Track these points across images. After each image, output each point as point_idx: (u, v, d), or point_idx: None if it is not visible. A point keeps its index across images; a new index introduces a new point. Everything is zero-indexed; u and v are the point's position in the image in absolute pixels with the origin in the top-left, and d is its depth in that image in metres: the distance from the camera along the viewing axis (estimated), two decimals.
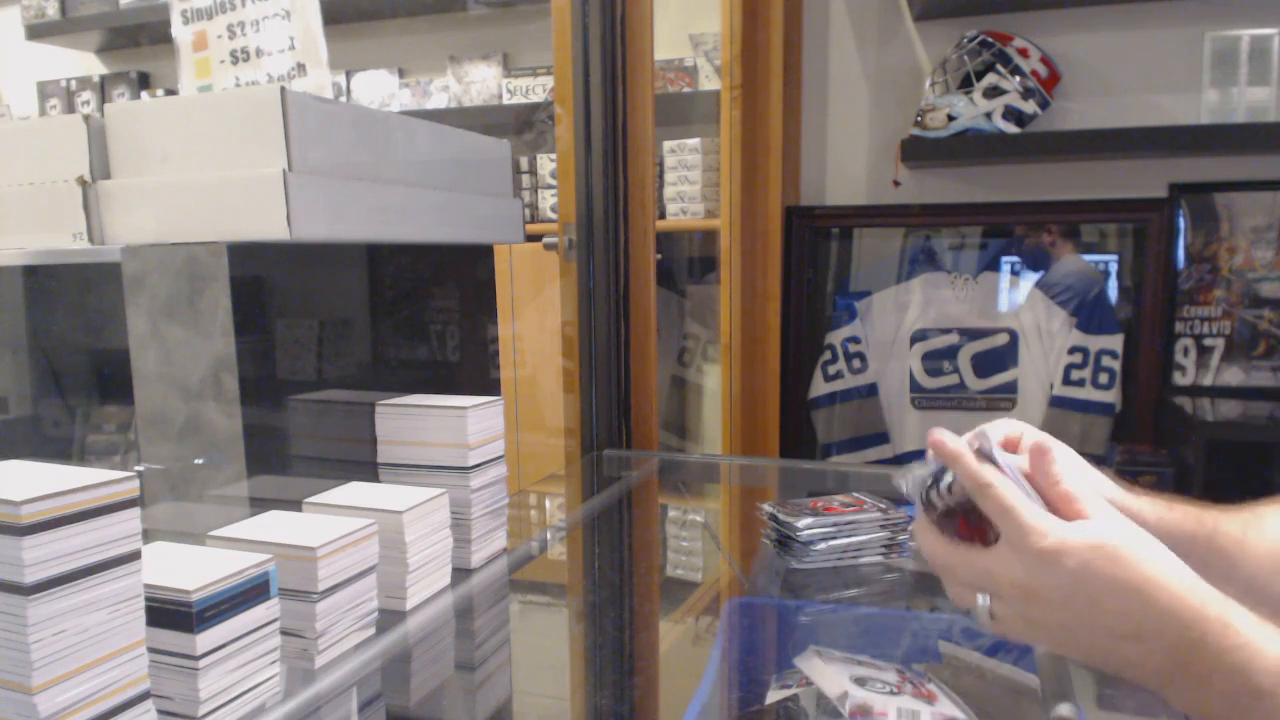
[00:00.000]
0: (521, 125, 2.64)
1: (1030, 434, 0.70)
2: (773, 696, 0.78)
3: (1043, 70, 1.93)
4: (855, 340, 2.14)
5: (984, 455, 0.62)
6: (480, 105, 2.65)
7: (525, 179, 2.50)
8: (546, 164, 2.48)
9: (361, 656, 0.82)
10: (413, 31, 2.77)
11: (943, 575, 0.65)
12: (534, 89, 2.58)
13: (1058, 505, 0.60)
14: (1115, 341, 1.97)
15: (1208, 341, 1.96)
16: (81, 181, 0.87)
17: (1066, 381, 2.00)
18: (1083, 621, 0.56)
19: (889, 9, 2.13)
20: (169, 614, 0.64)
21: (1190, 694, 0.56)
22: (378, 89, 2.76)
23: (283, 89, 0.82)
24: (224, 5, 1.00)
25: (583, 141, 1.63)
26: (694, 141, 2.25)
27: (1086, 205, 2.02)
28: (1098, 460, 2.03)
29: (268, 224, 0.82)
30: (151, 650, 0.63)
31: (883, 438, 2.15)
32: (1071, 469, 0.63)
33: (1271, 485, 1.78)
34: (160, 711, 0.64)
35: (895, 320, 2.14)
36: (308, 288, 1.04)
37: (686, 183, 2.27)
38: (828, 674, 0.79)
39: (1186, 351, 1.98)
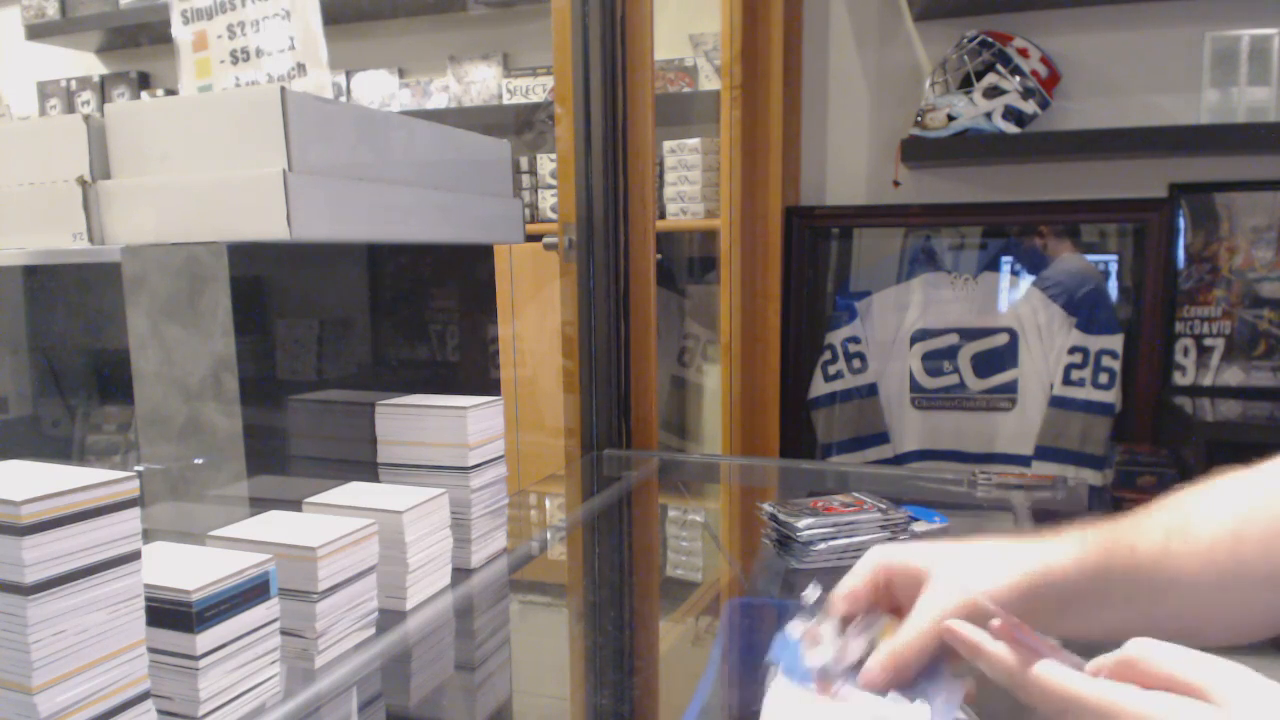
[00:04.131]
0: (521, 125, 2.64)
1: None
2: None
3: (1043, 70, 1.93)
4: (855, 340, 2.14)
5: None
6: (480, 105, 2.64)
7: (525, 179, 2.50)
8: (546, 164, 2.48)
9: (361, 656, 0.82)
10: (413, 31, 2.77)
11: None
12: (534, 89, 2.58)
13: None
14: (1115, 341, 1.97)
15: (1208, 341, 1.96)
16: (81, 181, 0.87)
17: (1066, 381, 2.00)
18: None
19: (889, 9, 2.13)
20: (169, 614, 0.64)
21: None
22: (378, 89, 2.76)
23: (283, 89, 0.82)
24: (224, 5, 1.00)
25: (583, 141, 1.63)
26: (694, 141, 2.25)
27: (1086, 205, 2.02)
28: (1099, 460, 2.04)
29: (268, 224, 0.82)
30: (151, 650, 0.63)
31: (883, 438, 2.15)
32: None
33: None
34: (160, 711, 0.64)
35: (895, 320, 2.14)
36: (308, 288, 1.04)
37: (686, 183, 2.27)
38: None
39: (1186, 351, 1.98)
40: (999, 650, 0.48)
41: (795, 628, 0.64)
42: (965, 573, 0.59)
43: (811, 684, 0.60)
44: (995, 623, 0.50)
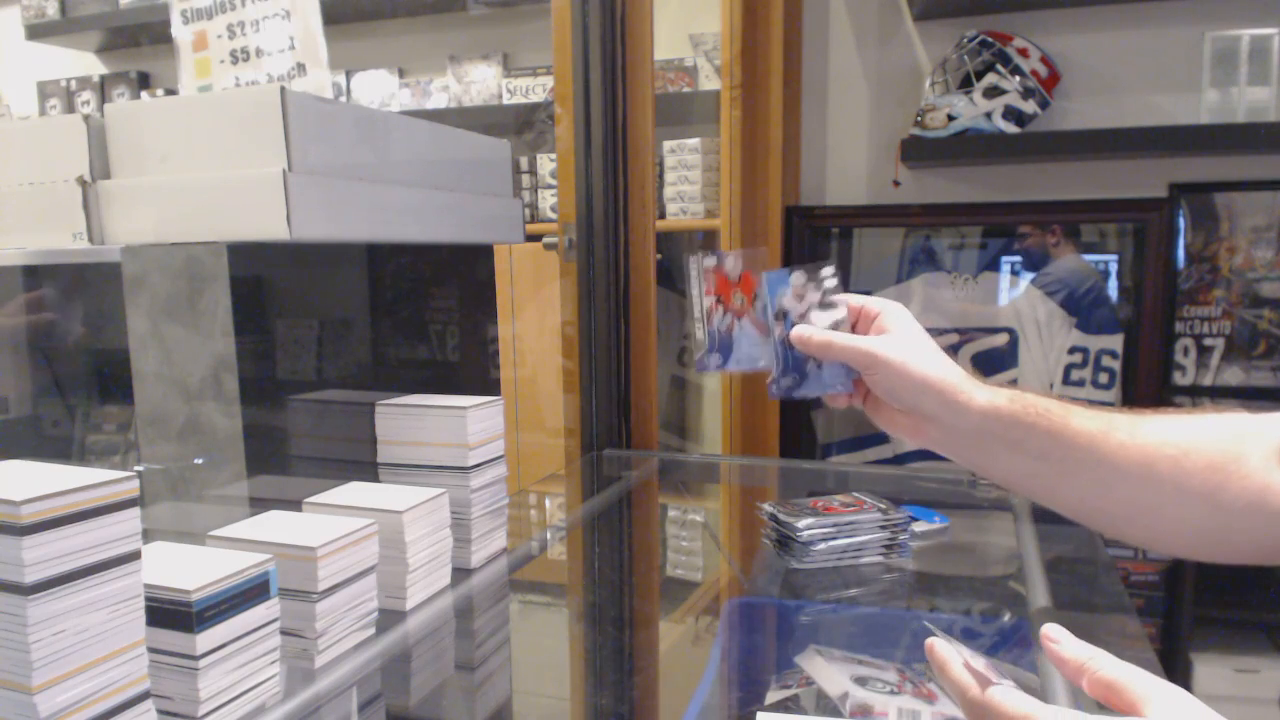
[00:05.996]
0: (521, 125, 2.64)
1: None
2: (773, 696, 0.78)
3: (1043, 70, 1.93)
4: None
5: None
6: (480, 105, 2.64)
7: (525, 179, 2.50)
8: (546, 164, 2.48)
9: (361, 656, 0.82)
10: (413, 31, 2.77)
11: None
12: (534, 89, 2.58)
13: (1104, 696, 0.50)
14: (1115, 341, 1.97)
15: (1208, 341, 1.96)
16: (81, 181, 0.87)
17: (1066, 381, 2.00)
18: None
19: (889, 9, 2.13)
20: (169, 614, 0.64)
21: None
22: (378, 89, 2.76)
23: (283, 89, 0.82)
24: (224, 5, 1.00)
25: (583, 141, 1.63)
26: (694, 141, 2.25)
27: (1086, 205, 2.02)
28: None
29: (268, 224, 0.82)
30: (151, 650, 0.63)
31: (883, 437, 2.15)
32: None
33: None
34: (160, 711, 0.64)
35: None
36: (308, 288, 1.04)
37: (686, 183, 2.27)
38: (828, 673, 0.79)
39: (1186, 351, 1.98)
40: (960, 673, 0.53)
41: (796, 276, 0.81)
42: (918, 351, 0.74)
43: (773, 307, 0.80)
44: (965, 659, 0.55)
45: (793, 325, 0.79)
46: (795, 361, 0.80)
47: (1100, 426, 0.69)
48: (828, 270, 0.81)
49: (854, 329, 0.80)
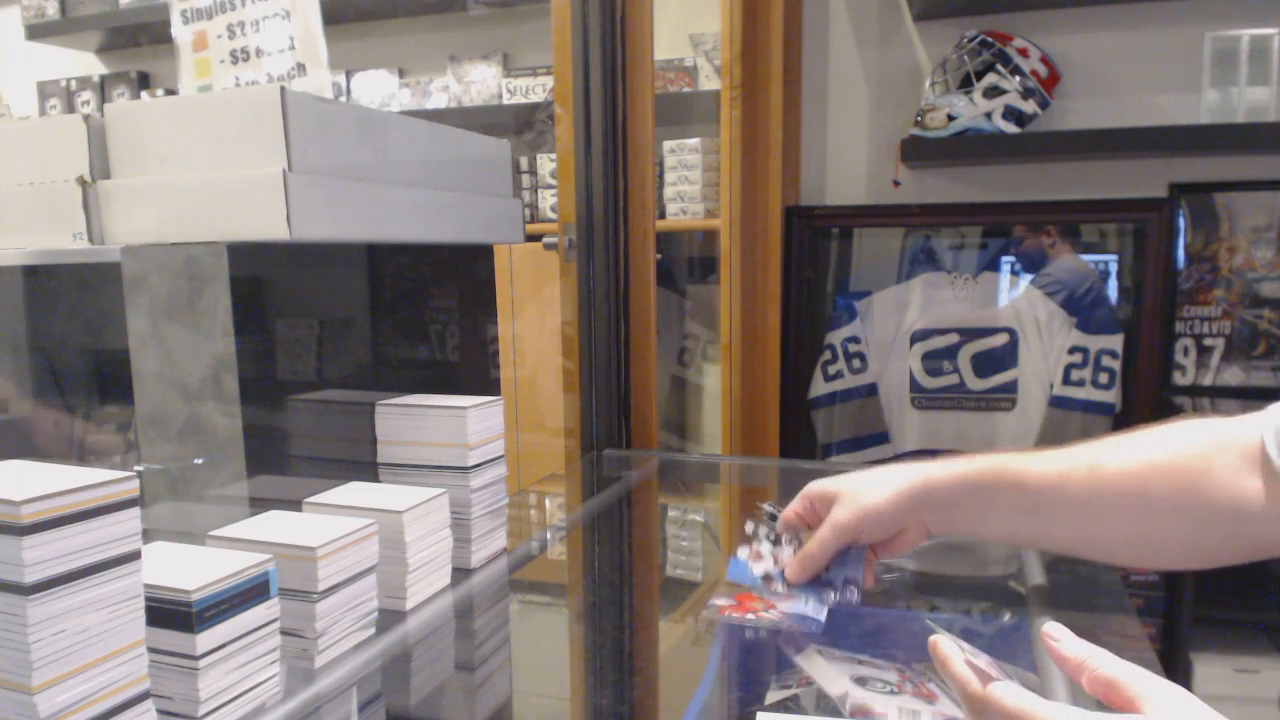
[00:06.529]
0: (521, 125, 2.64)
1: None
2: (773, 696, 0.78)
3: (1043, 70, 1.93)
4: (855, 340, 2.14)
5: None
6: (480, 105, 2.65)
7: (525, 179, 2.50)
8: (546, 164, 2.48)
9: (361, 656, 0.82)
10: (413, 31, 2.77)
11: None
12: (534, 89, 2.58)
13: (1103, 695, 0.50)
14: (1115, 341, 1.97)
15: (1208, 341, 1.97)
16: (81, 181, 0.87)
17: (1066, 381, 2.00)
18: None
19: (889, 9, 2.13)
20: (169, 614, 0.64)
21: None
22: (378, 89, 2.76)
23: (283, 89, 0.82)
24: (224, 5, 1.00)
25: (583, 141, 1.63)
26: (694, 141, 2.25)
27: (1086, 205, 2.02)
28: None
29: (268, 224, 0.82)
30: (151, 650, 0.63)
31: (883, 438, 2.15)
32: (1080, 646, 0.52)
33: None
34: (160, 711, 0.64)
35: (895, 320, 2.14)
36: (308, 288, 1.04)
37: (686, 183, 2.27)
38: (828, 673, 0.79)
39: (1186, 351, 1.98)
40: (961, 669, 0.54)
41: (741, 551, 0.90)
42: (861, 491, 0.80)
43: (761, 584, 0.87)
44: (966, 656, 0.55)
45: (780, 574, 0.87)
46: (810, 590, 0.86)
47: (1058, 467, 0.72)
48: (750, 526, 0.91)
49: (820, 518, 0.86)
